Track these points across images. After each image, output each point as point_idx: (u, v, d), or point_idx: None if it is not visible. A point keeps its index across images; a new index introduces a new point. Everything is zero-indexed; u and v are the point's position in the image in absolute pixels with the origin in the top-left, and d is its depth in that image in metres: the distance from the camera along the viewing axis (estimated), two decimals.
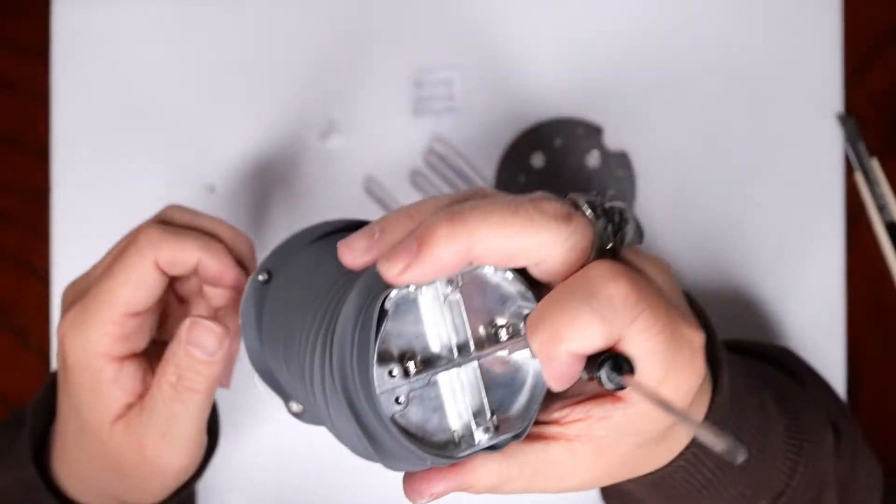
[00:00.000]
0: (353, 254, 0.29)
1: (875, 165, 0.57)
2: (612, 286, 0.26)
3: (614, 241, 0.29)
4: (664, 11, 0.58)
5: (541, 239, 0.28)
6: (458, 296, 0.28)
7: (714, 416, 0.32)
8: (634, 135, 0.57)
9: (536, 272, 0.29)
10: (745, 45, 0.57)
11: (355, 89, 0.58)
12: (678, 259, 0.57)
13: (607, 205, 0.30)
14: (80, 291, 0.39)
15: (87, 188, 0.58)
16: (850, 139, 0.57)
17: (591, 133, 0.57)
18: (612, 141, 0.57)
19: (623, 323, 0.26)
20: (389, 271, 0.27)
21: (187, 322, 0.37)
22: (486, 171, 0.58)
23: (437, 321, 0.28)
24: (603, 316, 0.26)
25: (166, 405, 0.37)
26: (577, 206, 0.30)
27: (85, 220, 0.58)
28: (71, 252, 0.58)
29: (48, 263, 0.58)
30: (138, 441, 0.37)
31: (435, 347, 0.28)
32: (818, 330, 0.56)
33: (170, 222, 0.40)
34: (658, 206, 0.57)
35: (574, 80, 0.58)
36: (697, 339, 0.29)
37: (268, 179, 0.58)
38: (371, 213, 0.57)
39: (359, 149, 0.58)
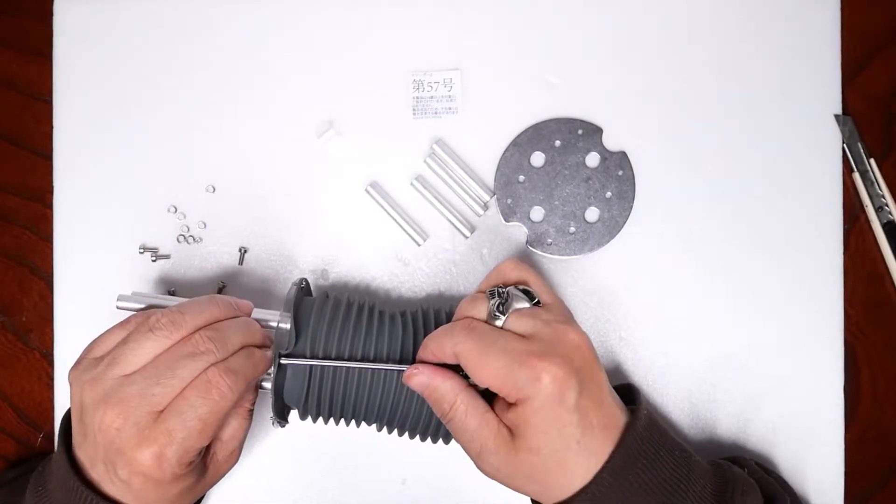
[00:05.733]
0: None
1: (873, 166, 0.57)
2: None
3: (502, 310, 0.45)
4: (664, 12, 0.58)
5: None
6: None
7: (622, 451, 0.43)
8: (634, 135, 0.57)
9: None
10: (744, 45, 0.58)
11: (355, 90, 0.58)
12: (677, 258, 0.57)
13: (500, 290, 0.46)
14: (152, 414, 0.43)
15: (88, 188, 0.58)
16: (849, 140, 0.57)
17: (591, 133, 0.57)
18: (612, 141, 0.58)
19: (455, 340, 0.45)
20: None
21: None
22: (486, 171, 0.58)
23: None
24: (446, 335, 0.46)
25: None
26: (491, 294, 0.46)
27: (86, 220, 0.58)
28: (72, 252, 0.58)
29: (50, 263, 0.58)
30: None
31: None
32: (816, 329, 0.56)
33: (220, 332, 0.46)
34: (657, 206, 0.57)
35: (574, 80, 0.58)
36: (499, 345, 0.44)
37: (268, 179, 0.58)
38: (371, 213, 0.58)
39: (358, 149, 0.58)
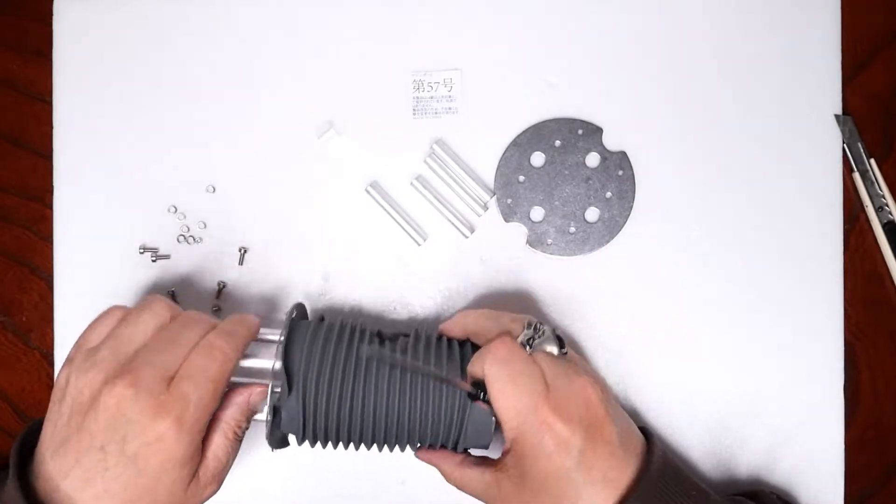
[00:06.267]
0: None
1: (873, 166, 0.57)
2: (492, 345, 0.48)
3: (532, 344, 0.47)
4: (664, 12, 0.58)
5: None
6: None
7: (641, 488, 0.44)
8: (634, 135, 0.57)
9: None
10: (744, 45, 0.58)
11: (355, 90, 0.58)
12: (677, 258, 0.57)
13: (539, 326, 0.48)
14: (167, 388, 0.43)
15: (88, 188, 0.58)
16: (849, 140, 0.57)
17: (591, 133, 0.57)
18: (612, 141, 0.58)
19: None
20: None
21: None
22: (486, 171, 0.58)
23: None
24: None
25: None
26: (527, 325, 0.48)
27: (86, 220, 0.58)
28: (72, 252, 0.58)
29: (50, 263, 0.58)
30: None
31: None
32: (816, 329, 0.56)
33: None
34: (657, 206, 0.57)
35: (574, 80, 0.58)
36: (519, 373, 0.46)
37: (268, 179, 0.58)
38: (371, 213, 0.58)
39: (358, 149, 0.58)
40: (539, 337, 0.47)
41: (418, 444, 0.50)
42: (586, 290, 0.57)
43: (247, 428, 0.48)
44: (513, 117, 0.58)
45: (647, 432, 0.49)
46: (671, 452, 0.55)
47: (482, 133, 0.58)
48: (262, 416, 0.48)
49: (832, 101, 0.57)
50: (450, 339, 0.51)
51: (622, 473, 0.44)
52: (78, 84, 0.59)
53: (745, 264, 0.57)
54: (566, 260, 0.57)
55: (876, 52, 0.58)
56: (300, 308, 0.52)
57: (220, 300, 0.58)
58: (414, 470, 0.57)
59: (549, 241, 0.57)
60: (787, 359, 0.56)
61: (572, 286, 0.57)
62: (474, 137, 0.58)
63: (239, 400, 0.47)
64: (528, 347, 0.47)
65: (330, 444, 0.49)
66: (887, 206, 0.56)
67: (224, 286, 0.58)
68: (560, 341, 0.48)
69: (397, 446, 0.49)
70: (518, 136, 0.58)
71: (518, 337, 0.47)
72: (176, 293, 0.58)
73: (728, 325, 0.56)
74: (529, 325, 0.48)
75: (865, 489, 0.56)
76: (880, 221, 0.56)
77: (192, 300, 0.58)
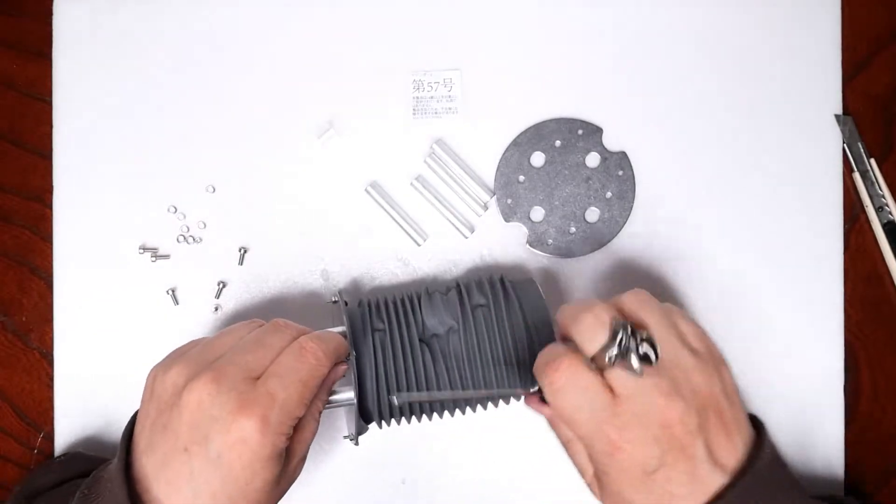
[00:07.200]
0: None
1: (873, 166, 0.57)
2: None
3: (616, 358, 0.41)
4: (664, 12, 0.58)
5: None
6: None
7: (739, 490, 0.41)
8: (634, 135, 0.57)
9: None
10: (744, 45, 0.58)
11: (355, 90, 0.58)
12: (677, 258, 0.57)
13: (622, 340, 0.41)
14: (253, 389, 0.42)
15: (88, 188, 0.58)
16: (849, 140, 0.57)
17: (591, 133, 0.57)
18: (612, 141, 0.57)
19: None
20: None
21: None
22: (486, 171, 0.58)
23: None
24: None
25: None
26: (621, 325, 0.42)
27: (86, 220, 0.58)
28: (72, 252, 0.58)
29: (50, 263, 0.58)
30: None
31: None
32: (816, 329, 0.56)
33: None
34: (657, 206, 0.57)
35: (574, 80, 0.58)
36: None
37: (268, 179, 0.58)
38: (371, 213, 0.58)
39: (358, 149, 0.58)
40: (626, 351, 0.41)
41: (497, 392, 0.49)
42: (586, 291, 0.57)
43: (327, 401, 0.47)
44: (513, 117, 0.58)
45: (758, 424, 0.45)
46: None
47: (482, 133, 0.58)
48: (339, 396, 0.48)
49: (832, 101, 0.57)
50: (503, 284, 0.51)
51: (708, 487, 0.41)
52: (78, 84, 0.59)
53: (744, 264, 0.57)
54: (566, 260, 0.57)
55: (876, 52, 0.58)
56: (343, 296, 0.53)
57: (219, 300, 0.58)
58: (414, 470, 0.57)
59: (550, 241, 0.57)
60: (788, 359, 0.56)
61: (572, 286, 0.57)
62: (474, 137, 0.58)
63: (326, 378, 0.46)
64: (611, 362, 0.41)
65: (406, 418, 0.50)
66: (887, 206, 0.56)
67: (224, 286, 0.58)
68: (652, 349, 0.42)
69: (479, 405, 0.50)
70: (518, 136, 0.58)
71: (594, 350, 0.42)
72: (176, 293, 0.58)
73: (728, 325, 0.56)
74: (615, 334, 0.41)
75: (865, 489, 0.56)
76: (880, 221, 0.56)
77: (192, 300, 0.58)
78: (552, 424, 0.48)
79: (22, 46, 0.60)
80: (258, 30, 0.59)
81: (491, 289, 0.50)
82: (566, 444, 0.47)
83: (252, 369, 0.42)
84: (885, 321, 0.57)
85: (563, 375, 0.42)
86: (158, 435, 0.41)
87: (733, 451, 0.42)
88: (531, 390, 0.48)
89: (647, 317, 0.43)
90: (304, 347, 0.43)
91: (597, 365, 0.42)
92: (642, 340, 0.41)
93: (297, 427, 0.44)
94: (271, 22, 0.59)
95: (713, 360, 0.44)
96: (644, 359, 0.41)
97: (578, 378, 0.41)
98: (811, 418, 0.56)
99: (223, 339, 0.45)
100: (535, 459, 0.56)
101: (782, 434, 0.56)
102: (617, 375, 0.41)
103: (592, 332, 0.42)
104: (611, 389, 0.41)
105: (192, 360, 0.43)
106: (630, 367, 0.41)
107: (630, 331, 0.41)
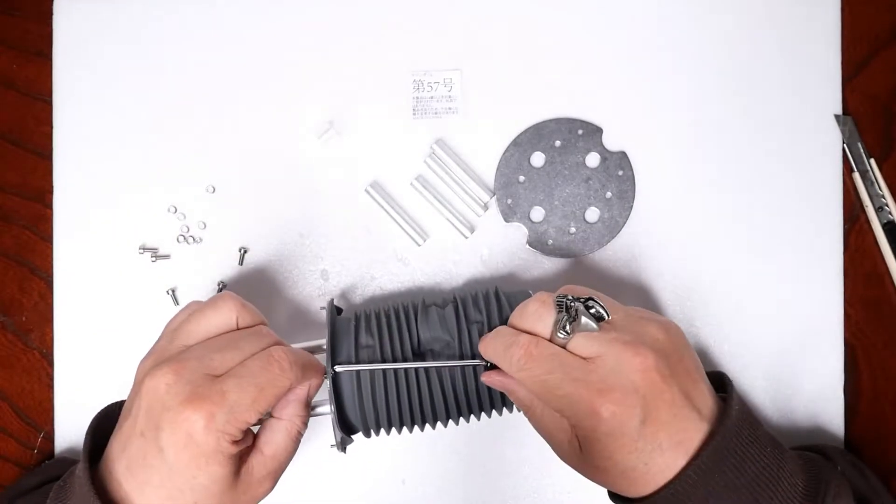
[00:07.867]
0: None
1: (873, 166, 0.57)
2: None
3: (568, 329, 0.43)
4: (664, 12, 0.58)
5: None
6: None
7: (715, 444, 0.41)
8: (634, 135, 0.57)
9: None
10: (744, 45, 0.58)
11: (355, 90, 0.58)
12: (677, 258, 0.57)
13: (569, 305, 0.43)
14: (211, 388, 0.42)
15: (88, 188, 0.58)
16: (849, 140, 0.57)
17: (591, 133, 0.57)
18: (612, 141, 0.58)
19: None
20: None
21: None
22: (486, 171, 0.58)
23: None
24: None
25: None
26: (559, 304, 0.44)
27: (86, 220, 0.58)
28: (72, 252, 0.58)
29: (50, 263, 0.58)
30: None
31: None
32: (817, 329, 0.56)
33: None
34: (657, 206, 0.57)
35: (574, 80, 0.58)
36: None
37: (268, 179, 0.58)
38: (371, 213, 0.58)
39: (358, 149, 0.58)
40: (574, 318, 0.43)
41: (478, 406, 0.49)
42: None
43: (306, 422, 0.47)
44: (513, 117, 0.58)
45: (724, 378, 0.47)
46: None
47: (482, 133, 0.58)
48: (323, 409, 0.48)
49: (832, 101, 0.57)
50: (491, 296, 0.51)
51: (692, 434, 0.42)
52: (78, 84, 0.59)
53: (745, 264, 0.57)
54: (566, 260, 0.57)
55: (876, 52, 0.58)
56: (332, 305, 0.52)
57: None
58: (414, 470, 0.57)
59: (550, 241, 0.57)
60: (788, 359, 0.56)
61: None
62: (474, 137, 0.58)
63: (299, 393, 0.46)
64: (567, 333, 0.43)
65: (394, 429, 0.50)
66: (887, 206, 0.56)
67: (224, 286, 0.58)
68: (598, 312, 0.44)
69: (461, 417, 0.50)
70: (518, 136, 0.58)
71: (547, 329, 0.44)
72: (176, 293, 0.58)
73: (728, 325, 0.56)
74: (560, 306, 0.44)
75: None
76: (880, 221, 0.56)
77: (192, 300, 0.58)
78: (511, 392, 0.47)
79: (22, 46, 0.60)
80: (258, 30, 0.59)
81: (485, 304, 0.50)
82: (527, 410, 0.46)
83: (215, 367, 0.42)
84: (885, 321, 0.57)
85: (528, 350, 0.43)
86: (126, 419, 0.43)
87: (705, 397, 0.43)
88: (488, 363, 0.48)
89: (590, 294, 0.45)
90: (272, 356, 0.43)
91: (556, 345, 0.44)
92: (589, 301, 0.44)
93: (258, 443, 0.45)
94: (271, 22, 0.59)
95: (659, 318, 0.45)
96: (597, 318, 0.43)
97: (543, 347, 0.43)
98: (811, 418, 0.56)
99: (190, 326, 0.45)
100: (535, 459, 0.56)
101: (783, 434, 0.56)
102: (578, 342, 0.43)
103: (539, 313, 0.44)
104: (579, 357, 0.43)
105: (162, 349, 0.44)
106: (586, 327, 0.43)
107: (574, 298, 0.44)
